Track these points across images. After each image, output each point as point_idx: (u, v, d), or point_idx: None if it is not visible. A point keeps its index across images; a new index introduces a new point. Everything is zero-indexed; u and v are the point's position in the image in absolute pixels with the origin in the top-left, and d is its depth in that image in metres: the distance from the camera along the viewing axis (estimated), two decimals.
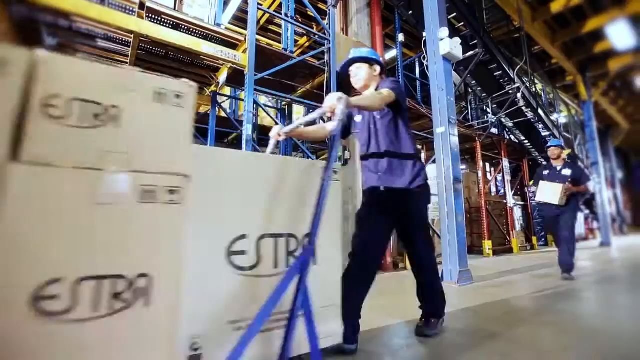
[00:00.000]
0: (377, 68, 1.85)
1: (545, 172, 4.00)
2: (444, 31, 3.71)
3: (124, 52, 4.06)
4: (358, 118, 1.88)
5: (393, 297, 2.87)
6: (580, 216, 10.51)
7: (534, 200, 5.01)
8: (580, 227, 10.32)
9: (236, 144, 7.90)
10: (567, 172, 3.85)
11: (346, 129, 1.91)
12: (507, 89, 6.38)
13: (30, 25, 3.36)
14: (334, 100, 1.28)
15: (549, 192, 3.79)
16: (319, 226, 1.09)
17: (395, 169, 1.74)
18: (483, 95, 6.83)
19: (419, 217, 1.81)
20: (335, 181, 1.29)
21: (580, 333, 1.89)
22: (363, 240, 1.72)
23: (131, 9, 3.40)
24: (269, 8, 4.74)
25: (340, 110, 1.26)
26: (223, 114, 5.78)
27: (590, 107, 10.20)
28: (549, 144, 4.10)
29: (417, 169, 1.75)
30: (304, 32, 4.79)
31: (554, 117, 9.02)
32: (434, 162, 4.10)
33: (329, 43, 4.14)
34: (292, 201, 1.24)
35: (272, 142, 1.65)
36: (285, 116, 5.92)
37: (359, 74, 1.83)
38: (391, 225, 1.81)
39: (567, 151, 6.94)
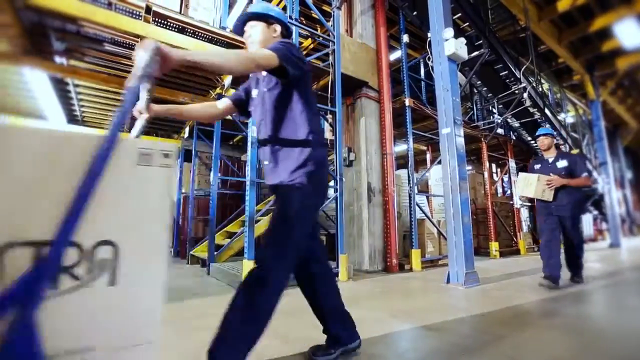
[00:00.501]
0: (277, 28, 1.49)
1: (537, 166, 3.55)
2: (449, 32, 3.70)
3: (131, 55, 4.10)
4: (255, 92, 1.51)
5: (397, 299, 2.86)
6: (589, 217, 10.37)
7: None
8: (588, 228, 10.18)
9: (241, 146, 7.96)
10: (562, 163, 3.37)
11: (243, 106, 1.58)
12: (513, 89, 6.32)
13: (39, 30, 3.42)
14: (139, 51, 0.94)
15: (524, 185, 3.39)
16: (73, 229, 0.76)
17: (282, 159, 1.37)
18: (489, 95, 6.78)
19: (282, 217, 1.31)
20: (163, 167, 0.94)
21: (589, 337, 1.86)
22: None
23: (138, 13, 3.44)
24: None
25: (144, 62, 0.92)
26: (228, 116, 5.81)
27: (598, 107, 10.07)
28: (537, 133, 3.63)
29: (304, 158, 1.34)
30: (308, 34, 4.80)
31: (561, 116, 8.92)
32: (439, 163, 4.08)
33: (334, 45, 4.14)
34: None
35: (137, 124, 1.25)
36: None
37: (252, 34, 1.46)
38: None
39: (574, 151, 6.83)
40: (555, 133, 3.68)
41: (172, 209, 0.85)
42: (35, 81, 5.67)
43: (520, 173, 3.52)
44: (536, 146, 7.71)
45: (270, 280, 1.24)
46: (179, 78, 4.71)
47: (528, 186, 3.35)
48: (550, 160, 3.49)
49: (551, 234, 3.30)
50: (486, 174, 6.92)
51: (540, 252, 3.36)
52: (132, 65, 4.41)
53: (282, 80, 1.36)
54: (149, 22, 3.42)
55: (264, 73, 1.44)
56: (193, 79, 4.71)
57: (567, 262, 3.45)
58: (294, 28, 4.20)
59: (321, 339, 1.60)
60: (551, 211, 3.34)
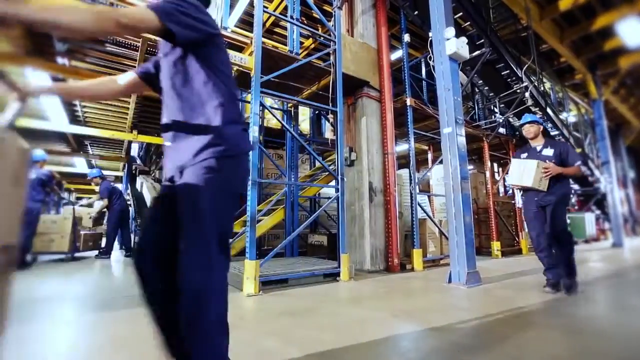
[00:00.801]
0: None
1: (524, 155, 3.29)
2: (450, 31, 3.70)
3: (133, 56, 4.12)
4: (163, 62, 1.23)
5: (399, 299, 2.86)
6: (592, 216, 10.34)
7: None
8: (591, 228, 10.14)
9: None
10: (549, 151, 3.13)
11: (153, 80, 1.31)
12: (514, 88, 6.31)
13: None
14: None
15: (520, 172, 3.06)
16: None
17: (184, 138, 1.13)
18: (490, 94, 6.76)
19: (191, 216, 1.04)
20: None
21: (590, 337, 1.86)
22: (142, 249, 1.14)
23: None
24: (274, 10, 4.77)
25: None
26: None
27: (601, 106, 10.04)
28: (521, 121, 3.38)
29: (211, 136, 1.09)
30: (310, 34, 4.80)
31: (563, 116, 8.89)
32: (441, 162, 4.08)
33: (335, 44, 4.14)
34: None
35: (15, 106, 1.06)
36: (292, 118, 5.94)
37: None
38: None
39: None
40: (541, 120, 3.42)
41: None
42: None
43: (513, 160, 3.21)
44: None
45: (206, 301, 1.00)
46: None
47: (525, 174, 3.00)
48: (538, 148, 3.23)
49: (538, 229, 3.10)
50: (488, 174, 6.90)
51: (537, 254, 3.16)
52: (134, 66, 4.42)
53: (175, 44, 1.12)
54: None
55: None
56: None
57: (562, 262, 3.09)
58: (295, 28, 4.20)
59: (321, 338, 1.60)
60: (538, 203, 3.10)
